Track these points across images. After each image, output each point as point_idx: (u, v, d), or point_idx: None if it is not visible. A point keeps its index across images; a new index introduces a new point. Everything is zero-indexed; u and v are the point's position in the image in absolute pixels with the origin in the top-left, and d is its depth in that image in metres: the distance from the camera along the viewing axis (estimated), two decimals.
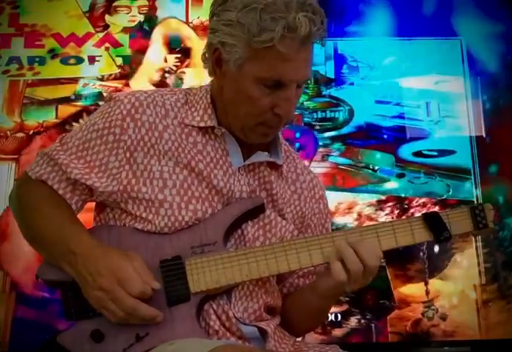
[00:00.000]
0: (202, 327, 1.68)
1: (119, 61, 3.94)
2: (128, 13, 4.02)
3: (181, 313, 1.66)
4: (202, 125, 1.78)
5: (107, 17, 4.01)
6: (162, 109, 1.78)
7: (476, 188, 3.80)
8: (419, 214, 1.78)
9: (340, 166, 3.82)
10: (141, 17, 4.01)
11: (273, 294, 1.83)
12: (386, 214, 3.75)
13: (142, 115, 1.74)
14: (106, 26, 3.99)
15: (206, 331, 1.69)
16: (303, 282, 1.91)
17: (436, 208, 3.68)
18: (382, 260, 1.71)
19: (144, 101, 1.76)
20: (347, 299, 3.57)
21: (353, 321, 3.60)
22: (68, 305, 1.69)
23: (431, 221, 1.73)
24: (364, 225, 1.77)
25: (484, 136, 3.88)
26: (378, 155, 3.85)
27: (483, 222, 1.74)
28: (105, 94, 3.78)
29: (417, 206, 3.76)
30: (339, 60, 3.97)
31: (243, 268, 1.69)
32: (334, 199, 3.71)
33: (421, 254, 3.67)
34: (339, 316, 3.58)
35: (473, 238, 3.67)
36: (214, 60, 1.73)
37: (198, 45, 3.88)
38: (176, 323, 1.65)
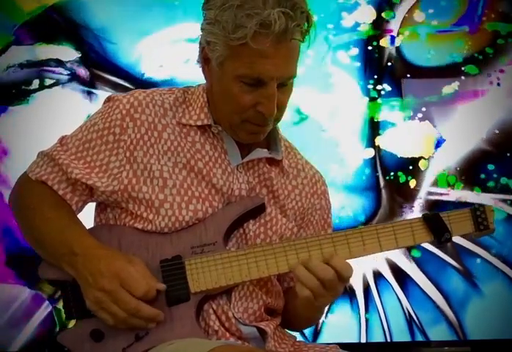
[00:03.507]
0: (201, 327, 1.79)
1: None
2: None
3: (181, 313, 1.77)
4: (198, 123, 1.88)
5: None
6: (161, 108, 1.88)
7: None
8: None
9: None
10: None
11: (274, 294, 1.94)
12: None
13: (141, 115, 1.85)
14: None
15: (205, 331, 1.80)
16: None
17: None
18: None
19: (143, 101, 1.87)
20: None
21: None
22: (69, 304, 1.80)
23: (432, 222, 1.81)
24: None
25: None
26: None
27: (484, 223, 1.82)
28: None
29: None
30: None
31: (242, 268, 1.79)
32: None
33: None
34: None
35: None
36: (202, 59, 1.85)
37: None
38: (175, 322, 1.76)
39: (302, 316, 1.97)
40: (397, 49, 3.88)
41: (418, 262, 3.76)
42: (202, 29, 1.82)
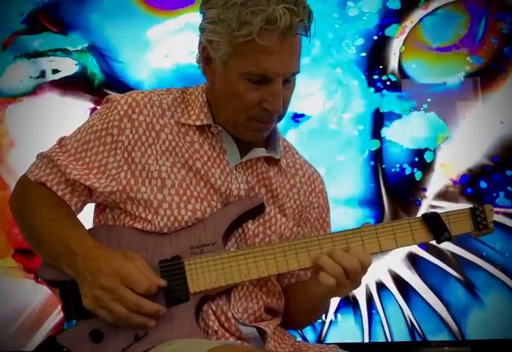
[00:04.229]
0: (201, 327, 1.79)
1: None
2: None
3: (180, 313, 1.77)
4: (198, 123, 1.89)
5: None
6: (159, 109, 1.88)
7: None
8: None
9: None
10: None
11: (274, 294, 1.94)
12: None
13: (139, 115, 1.85)
14: None
15: (205, 331, 1.80)
16: (303, 273, 1.99)
17: None
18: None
19: (141, 101, 1.87)
20: None
21: None
22: (68, 305, 1.81)
23: (431, 221, 1.81)
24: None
25: None
26: None
27: (483, 223, 1.82)
28: None
29: None
30: None
31: (242, 268, 1.79)
32: None
33: None
34: None
35: None
36: (203, 59, 1.85)
37: None
38: (175, 323, 1.76)
39: (313, 308, 1.97)
40: (403, 39, 3.85)
41: (420, 273, 3.76)
42: (202, 29, 1.82)
